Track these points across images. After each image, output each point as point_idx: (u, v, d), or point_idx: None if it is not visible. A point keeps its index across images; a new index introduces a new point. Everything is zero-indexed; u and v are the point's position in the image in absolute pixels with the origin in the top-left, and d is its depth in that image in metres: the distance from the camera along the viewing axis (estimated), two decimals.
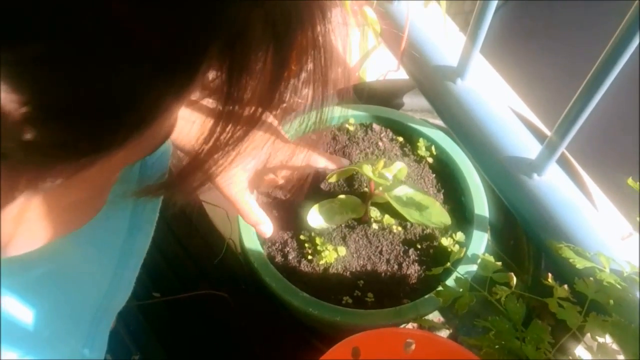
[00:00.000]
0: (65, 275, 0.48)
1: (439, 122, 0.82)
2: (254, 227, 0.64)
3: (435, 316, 0.76)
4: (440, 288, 0.57)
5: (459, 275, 0.57)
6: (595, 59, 0.58)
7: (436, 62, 0.81)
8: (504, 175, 0.74)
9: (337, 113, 0.76)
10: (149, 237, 0.51)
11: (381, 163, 0.64)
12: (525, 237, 0.82)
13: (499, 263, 0.55)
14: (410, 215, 0.62)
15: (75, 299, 0.49)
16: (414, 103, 0.91)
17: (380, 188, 0.65)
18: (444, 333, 0.75)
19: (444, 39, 0.82)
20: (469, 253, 0.65)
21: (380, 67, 0.95)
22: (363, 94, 0.90)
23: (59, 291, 0.48)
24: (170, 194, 0.33)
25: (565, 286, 0.55)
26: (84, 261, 0.48)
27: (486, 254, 0.57)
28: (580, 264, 0.58)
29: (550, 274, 0.57)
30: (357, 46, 0.93)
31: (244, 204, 0.61)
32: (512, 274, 0.53)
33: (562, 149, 0.69)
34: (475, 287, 0.54)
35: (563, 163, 0.74)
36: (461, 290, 0.56)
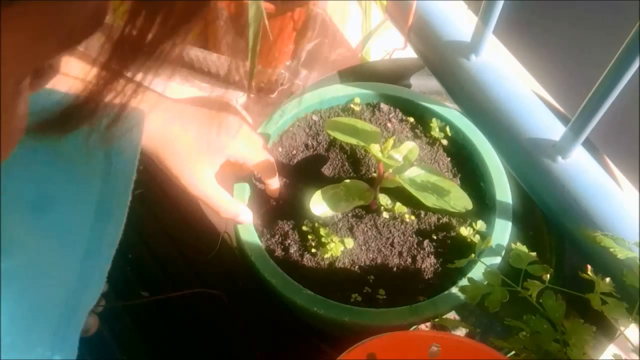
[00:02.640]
0: (25, 271, 0.40)
1: (450, 105, 0.74)
2: (233, 219, 0.58)
3: (450, 314, 0.68)
4: (465, 282, 0.49)
5: (488, 268, 0.49)
6: (615, 35, 0.51)
7: (447, 38, 0.73)
8: (524, 158, 0.66)
9: (341, 92, 0.68)
10: (121, 223, 0.43)
11: (390, 142, 0.55)
12: (545, 226, 0.74)
13: (534, 253, 0.47)
14: (426, 199, 0.54)
15: (38, 298, 0.41)
16: (422, 84, 0.83)
17: (391, 170, 0.57)
18: (460, 332, 0.67)
19: (455, 12, 0.74)
20: (492, 244, 0.56)
21: (386, 45, 0.86)
22: (366, 76, 0.81)
23: (19, 290, 0.40)
24: (74, 127, 0.25)
25: (608, 279, 0.47)
26: (46, 253, 0.40)
27: (518, 243, 0.49)
28: (622, 254, 0.50)
29: (589, 266, 0.49)
30: (360, 23, 0.85)
31: (216, 199, 0.56)
32: (548, 266, 0.45)
33: (590, 129, 0.62)
34: (507, 281, 0.46)
35: (585, 146, 0.66)
36: (487, 284, 0.48)
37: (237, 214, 0.57)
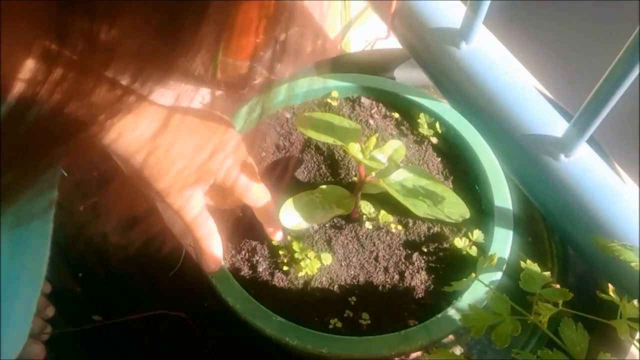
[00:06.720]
0: None
1: (439, 99, 0.65)
2: (203, 267, 0.48)
3: None
4: (462, 303, 0.39)
5: (492, 291, 0.39)
6: (613, 27, 0.43)
7: (435, 25, 0.64)
8: (522, 156, 0.58)
9: (317, 84, 0.58)
10: (43, 257, 0.34)
11: (372, 140, 0.46)
12: (546, 232, 0.66)
13: (547, 273, 0.38)
14: (417, 207, 0.44)
15: None
16: (407, 77, 0.73)
17: (373, 174, 0.48)
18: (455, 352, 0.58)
19: None
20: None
21: (367, 34, 0.77)
22: (346, 68, 0.72)
23: None
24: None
25: (636, 302, 0.38)
26: None
27: (529, 261, 0.40)
28: None
29: (611, 285, 0.40)
30: (339, 10, 0.76)
31: (201, 226, 0.46)
32: (567, 290, 0.36)
33: (597, 123, 0.54)
34: (517, 307, 0.37)
35: (588, 143, 0.58)
36: (491, 309, 0.39)
37: (211, 266, 0.47)
